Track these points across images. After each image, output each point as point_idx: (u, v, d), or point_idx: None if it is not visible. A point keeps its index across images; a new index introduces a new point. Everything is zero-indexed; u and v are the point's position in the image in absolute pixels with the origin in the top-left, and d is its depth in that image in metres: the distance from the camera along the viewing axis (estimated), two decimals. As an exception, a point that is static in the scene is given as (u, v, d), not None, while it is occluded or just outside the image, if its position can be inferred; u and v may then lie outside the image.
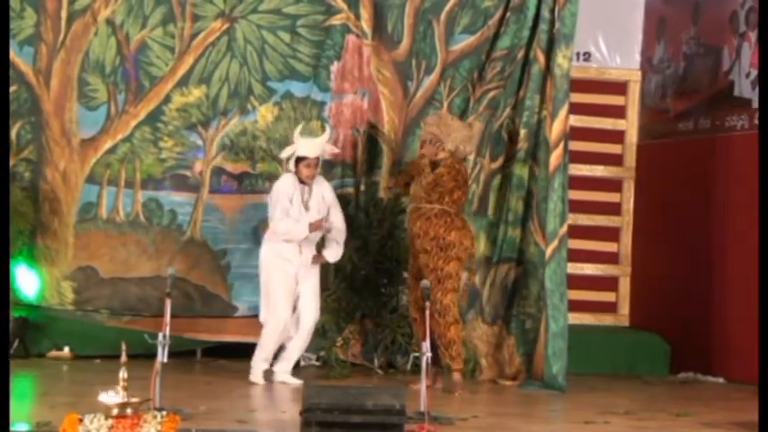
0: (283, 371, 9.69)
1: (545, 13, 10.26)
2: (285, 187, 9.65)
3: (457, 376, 9.54)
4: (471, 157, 10.65)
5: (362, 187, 10.95)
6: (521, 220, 10.39)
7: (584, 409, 8.66)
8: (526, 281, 10.26)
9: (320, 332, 10.46)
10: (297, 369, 10.59)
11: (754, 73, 10.77)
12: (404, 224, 10.55)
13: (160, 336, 7.56)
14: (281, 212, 9.57)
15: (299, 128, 9.99)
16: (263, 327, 9.66)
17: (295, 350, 9.76)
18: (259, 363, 9.63)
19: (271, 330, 9.60)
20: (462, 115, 10.79)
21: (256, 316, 9.90)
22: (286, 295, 9.60)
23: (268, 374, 9.67)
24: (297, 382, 9.54)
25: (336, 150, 10.28)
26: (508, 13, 10.69)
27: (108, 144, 10.86)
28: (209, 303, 10.77)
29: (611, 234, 12.36)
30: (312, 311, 9.70)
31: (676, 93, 11.93)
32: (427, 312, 8.13)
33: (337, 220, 9.78)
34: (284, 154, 9.78)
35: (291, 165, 9.67)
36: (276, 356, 9.73)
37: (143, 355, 7.90)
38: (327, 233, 9.77)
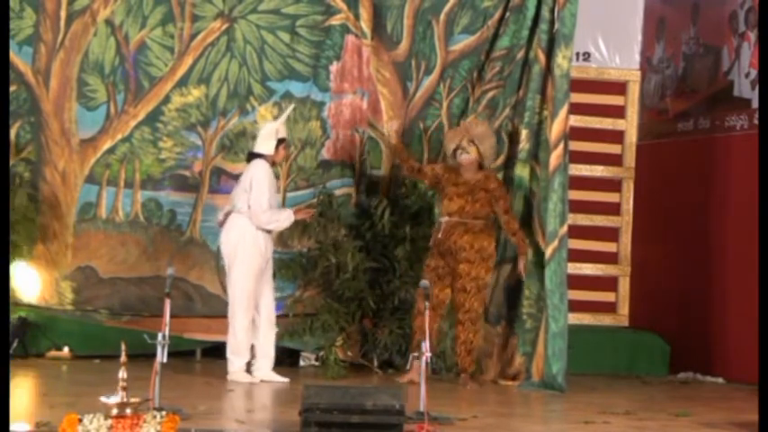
0: (266, 368, 9.72)
1: (545, 14, 10.26)
2: (268, 175, 9.68)
3: (466, 376, 9.91)
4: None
5: (362, 187, 10.96)
6: (522, 221, 10.38)
7: (584, 409, 8.66)
8: (527, 281, 10.25)
9: (320, 332, 10.47)
10: (296, 369, 10.62)
11: (754, 73, 10.77)
12: (403, 224, 10.57)
13: (159, 336, 7.55)
14: (267, 202, 9.61)
15: (290, 109, 10.11)
16: (233, 321, 9.64)
17: (271, 345, 9.77)
18: (237, 362, 9.68)
19: (245, 325, 9.61)
20: (462, 115, 10.80)
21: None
22: (255, 291, 9.66)
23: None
24: (283, 379, 9.64)
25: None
26: (507, 14, 10.69)
27: (107, 144, 10.86)
28: (209, 303, 10.76)
29: (611, 234, 12.37)
30: (273, 303, 9.81)
31: (676, 93, 11.93)
32: (426, 312, 8.15)
33: None
34: (268, 138, 9.75)
35: (270, 148, 9.69)
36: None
37: (142, 355, 7.88)
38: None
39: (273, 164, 9.82)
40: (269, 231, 9.72)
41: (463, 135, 10.03)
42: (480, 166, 10.04)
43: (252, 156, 9.79)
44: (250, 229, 9.61)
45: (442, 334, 10.14)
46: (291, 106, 10.31)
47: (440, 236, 9.93)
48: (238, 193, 9.72)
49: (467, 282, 9.79)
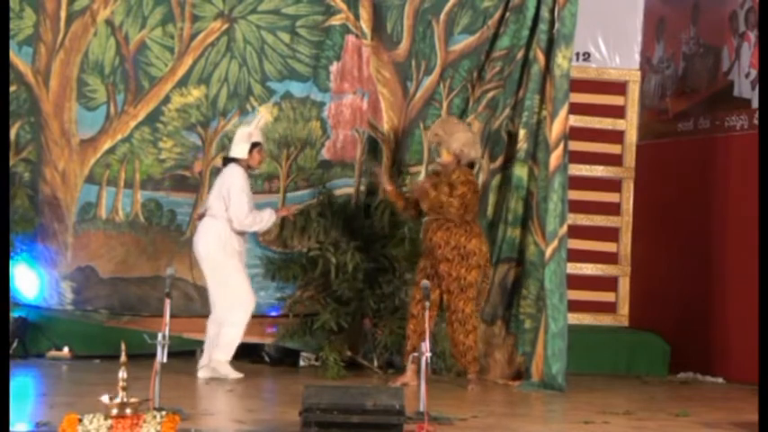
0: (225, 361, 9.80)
1: (544, 14, 10.26)
2: (244, 178, 9.78)
3: (472, 376, 9.79)
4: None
5: (362, 187, 10.96)
6: (520, 221, 10.38)
7: (584, 409, 8.66)
8: (526, 281, 10.24)
9: (320, 332, 10.46)
10: (296, 369, 10.62)
11: (754, 73, 10.77)
12: (403, 224, 10.56)
13: (160, 336, 7.56)
14: (247, 206, 9.70)
15: (261, 117, 10.28)
16: (230, 317, 9.71)
17: (237, 338, 9.83)
18: (227, 358, 9.74)
19: (243, 318, 9.72)
20: (462, 115, 10.80)
21: (255, 316, 9.95)
22: (247, 280, 9.83)
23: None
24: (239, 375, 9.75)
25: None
26: (507, 14, 10.69)
27: (107, 144, 10.87)
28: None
29: (611, 234, 12.36)
30: (253, 296, 9.91)
31: (676, 93, 11.93)
32: (426, 313, 8.15)
33: None
34: (241, 142, 9.83)
35: (244, 152, 9.77)
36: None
37: (142, 355, 7.89)
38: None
39: (249, 167, 9.88)
40: (242, 233, 9.83)
41: (430, 143, 10.00)
42: (461, 163, 9.77)
43: (227, 161, 9.86)
44: (225, 232, 9.73)
45: (439, 336, 10.08)
46: (260, 115, 10.37)
47: (421, 235, 9.91)
48: (213, 197, 9.81)
49: (450, 282, 9.63)
